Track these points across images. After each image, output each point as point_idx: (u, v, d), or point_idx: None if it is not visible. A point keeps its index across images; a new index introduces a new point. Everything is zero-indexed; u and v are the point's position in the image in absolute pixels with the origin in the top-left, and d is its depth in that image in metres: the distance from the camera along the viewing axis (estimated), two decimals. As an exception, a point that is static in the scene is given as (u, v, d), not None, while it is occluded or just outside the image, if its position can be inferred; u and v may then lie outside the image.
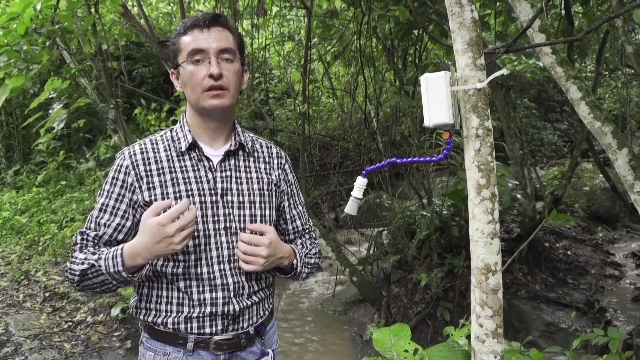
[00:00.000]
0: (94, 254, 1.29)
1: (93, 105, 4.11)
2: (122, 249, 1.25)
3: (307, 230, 1.58)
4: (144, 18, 4.51)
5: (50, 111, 3.92)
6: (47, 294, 4.34)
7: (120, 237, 1.36)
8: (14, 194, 7.04)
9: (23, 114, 7.58)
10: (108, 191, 1.36)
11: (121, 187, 1.35)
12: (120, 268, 1.24)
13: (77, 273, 1.29)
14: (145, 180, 1.34)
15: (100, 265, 1.25)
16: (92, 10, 3.64)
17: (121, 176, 1.35)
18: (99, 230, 1.34)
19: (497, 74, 1.14)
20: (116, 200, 1.35)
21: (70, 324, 3.89)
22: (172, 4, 7.72)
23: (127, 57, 7.66)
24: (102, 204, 1.35)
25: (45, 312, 4.07)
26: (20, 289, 4.49)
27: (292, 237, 1.56)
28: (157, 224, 1.19)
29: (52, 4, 3.22)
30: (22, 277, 4.66)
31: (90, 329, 3.83)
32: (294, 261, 1.43)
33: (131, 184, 1.34)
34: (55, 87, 3.57)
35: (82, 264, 1.28)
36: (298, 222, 1.55)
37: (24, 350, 3.44)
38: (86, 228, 1.35)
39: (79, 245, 1.34)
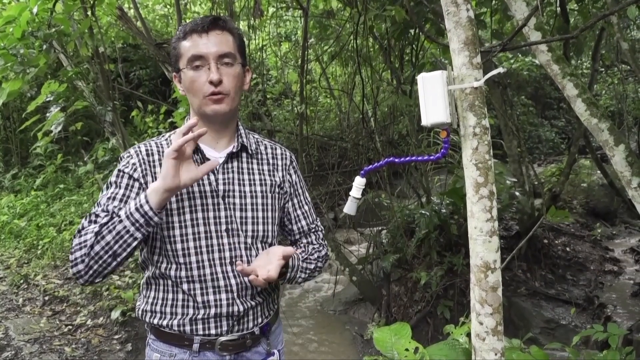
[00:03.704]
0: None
1: (90, 108, 4.11)
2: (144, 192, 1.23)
3: (313, 230, 1.56)
4: (140, 20, 4.51)
5: (47, 114, 3.92)
6: (46, 298, 4.33)
7: None
8: (12, 197, 7.03)
9: (20, 118, 7.55)
10: (116, 182, 1.34)
11: (129, 178, 1.34)
12: (144, 201, 1.20)
13: (92, 234, 1.22)
14: (150, 179, 1.35)
15: (119, 215, 1.22)
16: (89, 13, 3.64)
17: (128, 170, 1.35)
18: (109, 211, 1.29)
19: (494, 72, 1.15)
20: (125, 189, 1.33)
21: (70, 327, 3.89)
22: (168, 6, 7.71)
23: (124, 59, 7.65)
24: (112, 192, 1.32)
25: (45, 315, 4.07)
26: (20, 293, 4.48)
27: (297, 237, 1.55)
28: (167, 158, 1.19)
29: (48, 7, 3.23)
30: (22, 281, 4.65)
31: (90, 332, 3.82)
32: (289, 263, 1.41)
33: (137, 179, 1.35)
34: (53, 90, 3.57)
35: (97, 224, 1.24)
36: (303, 222, 1.54)
37: (24, 355, 3.44)
38: (94, 212, 1.30)
39: (87, 224, 1.28)
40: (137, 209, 1.21)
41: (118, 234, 1.21)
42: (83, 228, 1.27)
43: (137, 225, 1.22)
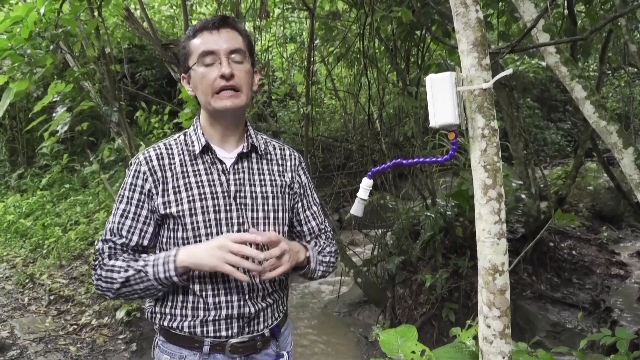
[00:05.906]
0: (135, 260, 1.30)
1: (96, 108, 4.12)
2: (175, 255, 1.27)
3: (322, 231, 1.56)
4: (147, 21, 4.52)
5: (53, 114, 3.93)
6: (52, 297, 4.35)
7: (145, 243, 1.36)
8: (19, 197, 7.05)
9: (27, 118, 7.59)
10: (127, 197, 1.35)
11: (140, 192, 1.34)
12: (173, 273, 1.27)
13: (120, 280, 1.29)
14: (161, 187, 1.34)
15: (147, 272, 1.28)
16: (95, 13, 3.65)
17: (139, 182, 1.35)
18: (125, 238, 1.34)
19: (503, 74, 1.14)
20: (137, 206, 1.34)
21: (75, 327, 3.90)
22: (174, 7, 7.73)
23: (130, 60, 7.68)
24: (123, 210, 1.35)
25: (50, 315, 4.08)
26: (25, 292, 4.49)
27: (307, 238, 1.54)
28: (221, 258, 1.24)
29: (55, 8, 3.24)
30: (27, 281, 4.67)
31: (95, 332, 3.83)
32: (308, 254, 1.43)
33: (149, 190, 1.34)
34: (59, 91, 3.58)
35: (126, 271, 1.28)
36: (313, 223, 1.53)
37: (30, 354, 3.45)
38: (111, 235, 1.35)
39: (107, 254, 1.33)
40: (165, 278, 1.28)
41: (146, 288, 1.30)
42: (102, 253, 1.34)
43: (164, 285, 1.30)
